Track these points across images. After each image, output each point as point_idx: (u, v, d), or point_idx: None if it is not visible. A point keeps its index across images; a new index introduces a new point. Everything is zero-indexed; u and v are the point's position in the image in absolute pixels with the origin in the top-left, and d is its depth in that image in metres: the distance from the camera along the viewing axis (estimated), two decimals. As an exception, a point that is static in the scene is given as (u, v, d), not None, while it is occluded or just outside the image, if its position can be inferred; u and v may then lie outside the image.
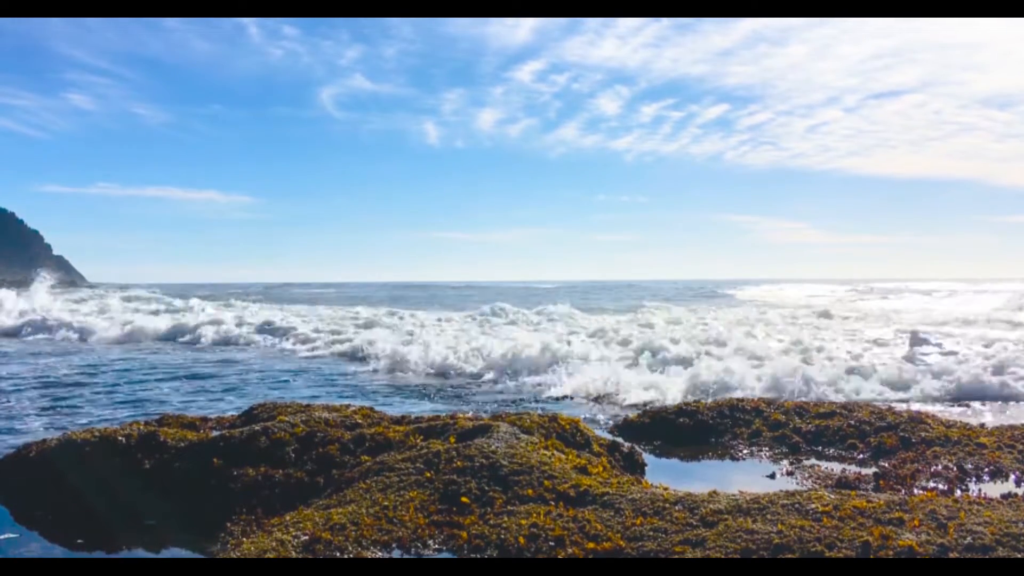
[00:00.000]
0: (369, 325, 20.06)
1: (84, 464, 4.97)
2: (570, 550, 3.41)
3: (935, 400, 8.99)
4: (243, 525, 4.15)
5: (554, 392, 9.82)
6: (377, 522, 3.77)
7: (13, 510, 4.78)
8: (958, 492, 4.59)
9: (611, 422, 7.37)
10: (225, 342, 18.42)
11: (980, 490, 4.62)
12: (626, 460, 5.30)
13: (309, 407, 6.02)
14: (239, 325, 20.11)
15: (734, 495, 3.87)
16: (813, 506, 3.55)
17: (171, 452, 5.05)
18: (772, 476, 5.27)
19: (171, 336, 19.39)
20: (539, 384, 10.64)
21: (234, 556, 3.50)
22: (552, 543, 3.49)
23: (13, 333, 20.87)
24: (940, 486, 4.74)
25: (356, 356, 14.70)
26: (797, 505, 3.59)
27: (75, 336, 19.60)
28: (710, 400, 7.53)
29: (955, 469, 5.06)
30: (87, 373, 12.09)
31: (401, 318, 22.66)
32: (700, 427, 6.49)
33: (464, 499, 3.99)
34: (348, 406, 6.06)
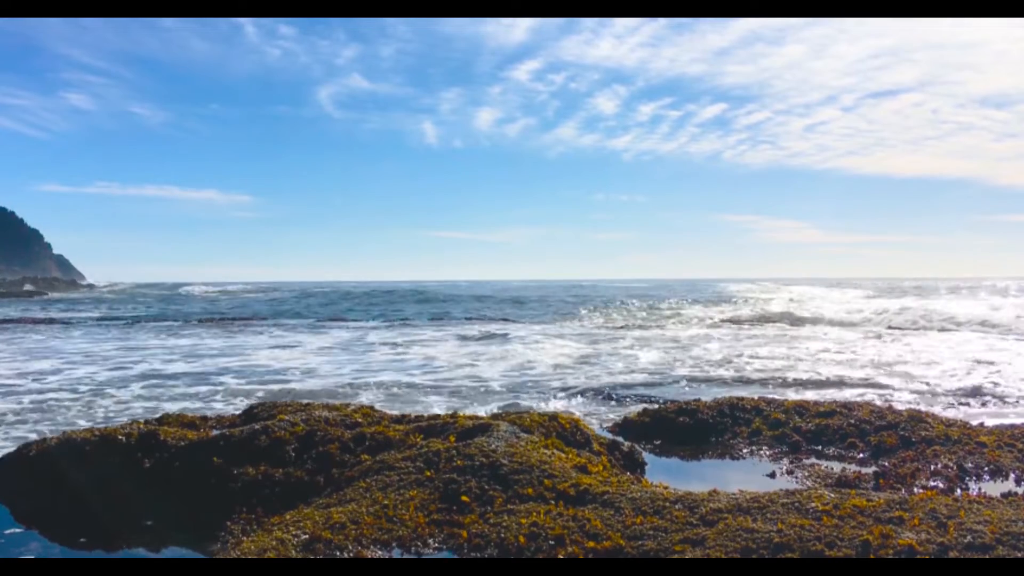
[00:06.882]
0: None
1: (84, 463, 4.97)
2: (570, 549, 3.41)
3: None
4: (243, 524, 4.16)
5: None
6: (377, 521, 3.77)
7: (13, 509, 4.78)
8: (958, 491, 4.58)
9: (611, 421, 7.36)
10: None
11: (980, 489, 4.62)
12: (626, 459, 5.30)
13: (309, 406, 6.01)
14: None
15: (734, 494, 3.86)
16: (813, 505, 3.55)
17: (171, 451, 5.05)
18: (772, 475, 5.26)
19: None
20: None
21: (234, 555, 3.50)
22: (552, 542, 3.49)
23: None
24: (940, 485, 4.74)
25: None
26: (797, 504, 3.59)
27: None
28: (710, 399, 7.52)
29: (955, 468, 5.06)
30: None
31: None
32: (700, 426, 6.49)
33: (464, 498, 3.99)
34: (348, 405, 6.06)
